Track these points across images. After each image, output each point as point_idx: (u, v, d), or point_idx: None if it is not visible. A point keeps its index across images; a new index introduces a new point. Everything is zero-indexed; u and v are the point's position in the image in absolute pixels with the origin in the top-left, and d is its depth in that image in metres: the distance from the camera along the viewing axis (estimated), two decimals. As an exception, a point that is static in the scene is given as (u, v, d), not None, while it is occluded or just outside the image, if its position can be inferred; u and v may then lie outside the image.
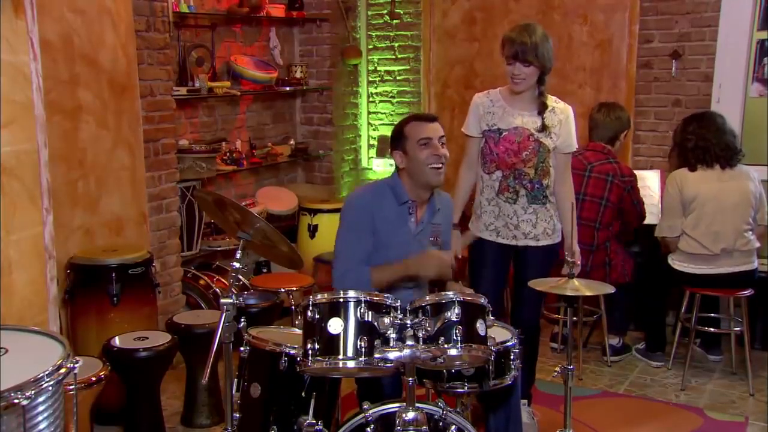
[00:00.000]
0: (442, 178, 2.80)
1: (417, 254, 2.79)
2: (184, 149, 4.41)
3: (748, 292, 3.94)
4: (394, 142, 2.85)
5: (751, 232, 3.97)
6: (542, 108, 3.23)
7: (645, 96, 4.84)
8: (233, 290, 2.48)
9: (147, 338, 3.25)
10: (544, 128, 3.22)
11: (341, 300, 2.19)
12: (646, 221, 4.42)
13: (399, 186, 2.83)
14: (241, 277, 2.67)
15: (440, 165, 2.76)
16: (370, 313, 2.17)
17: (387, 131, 5.84)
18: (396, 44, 5.75)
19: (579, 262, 3.32)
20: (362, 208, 2.80)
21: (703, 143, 3.96)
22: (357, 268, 2.74)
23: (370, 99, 5.94)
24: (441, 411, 2.30)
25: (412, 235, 2.84)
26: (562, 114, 3.27)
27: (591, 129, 4.28)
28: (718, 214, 3.91)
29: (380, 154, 5.92)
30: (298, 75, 5.40)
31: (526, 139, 3.22)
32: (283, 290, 3.91)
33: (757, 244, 4.00)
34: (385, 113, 5.88)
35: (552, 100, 3.29)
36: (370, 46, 5.84)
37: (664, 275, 4.16)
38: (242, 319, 2.53)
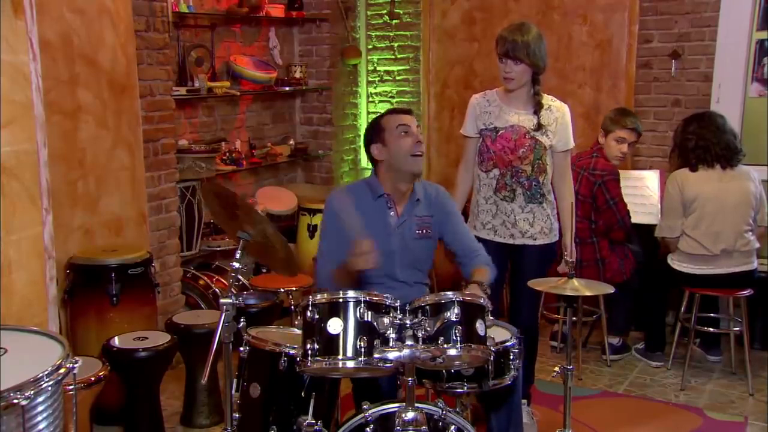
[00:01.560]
0: (421, 166, 2.86)
1: (405, 259, 2.85)
2: (183, 149, 4.41)
3: (747, 292, 3.94)
4: (371, 136, 2.90)
5: (751, 233, 3.97)
6: (538, 107, 3.25)
7: (644, 96, 4.85)
8: (233, 290, 2.47)
9: (146, 338, 3.24)
10: (539, 127, 3.23)
11: (341, 300, 2.19)
12: (646, 221, 4.42)
13: (375, 182, 2.89)
14: (240, 277, 2.67)
15: (420, 153, 2.81)
16: (369, 313, 2.17)
17: (386, 131, 5.84)
18: (395, 44, 5.75)
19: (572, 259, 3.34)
20: (335, 208, 2.84)
21: (703, 143, 3.95)
22: (327, 267, 2.78)
23: (370, 99, 5.94)
24: (440, 411, 2.30)
25: (392, 228, 2.85)
26: (558, 112, 3.29)
27: None
28: (718, 214, 3.91)
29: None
30: (297, 75, 5.41)
31: (522, 136, 3.24)
32: (282, 290, 3.91)
33: (757, 245, 4.00)
34: (384, 113, 5.87)
35: (548, 99, 3.30)
36: (370, 46, 5.84)
37: (664, 275, 4.16)
38: (242, 319, 2.53)
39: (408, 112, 2.91)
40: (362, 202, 2.84)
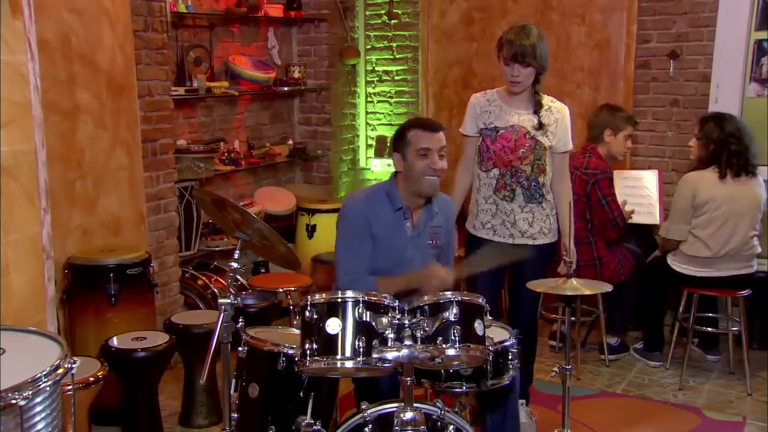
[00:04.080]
0: (437, 188, 2.82)
1: (421, 269, 2.77)
2: (182, 149, 4.41)
3: (746, 292, 3.94)
4: (396, 144, 2.83)
5: (756, 238, 3.95)
6: (538, 107, 3.25)
7: (643, 96, 4.84)
8: (231, 290, 2.47)
9: (145, 338, 3.24)
10: (540, 127, 3.24)
11: (339, 300, 2.19)
12: (644, 221, 4.41)
13: (394, 192, 2.83)
14: (239, 277, 2.67)
15: (435, 177, 2.77)
16: (368, 313, 2.18)
17: (385, 131, 5.84)
18: (394, 44, 5.75)
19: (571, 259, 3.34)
20: (357, 213, 2.80)
21: (743, 150, 3.89)
22: (363, 275, 2.73)
23: (368, 99, 5.94)
24: (439, 411, 2.30)
25: (408, 238, 2.84)
26: (559, 113, 3.29)
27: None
28: (730, 218, 3.88)
29: (378, 154, 5.92)
30: (296, 75, 5.41)
31: (522, 137, 3.24)
32: (281, 290, 3.91)
33: (759, 249, 3.99)
34: (383, 113, 5.88)
35: (548, 100, 3.30)
36: (368, 46, 5.84)
37: (662, 275, 4.15)
38: (240, 319, 2.53)
39: (436, 129, 2.79)
40: (381, 210, 2.81)
